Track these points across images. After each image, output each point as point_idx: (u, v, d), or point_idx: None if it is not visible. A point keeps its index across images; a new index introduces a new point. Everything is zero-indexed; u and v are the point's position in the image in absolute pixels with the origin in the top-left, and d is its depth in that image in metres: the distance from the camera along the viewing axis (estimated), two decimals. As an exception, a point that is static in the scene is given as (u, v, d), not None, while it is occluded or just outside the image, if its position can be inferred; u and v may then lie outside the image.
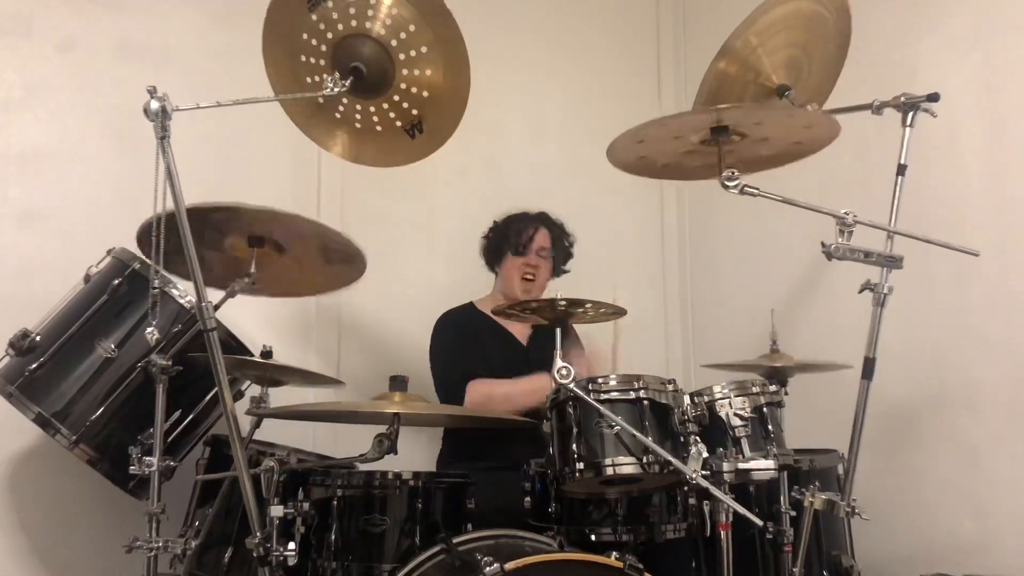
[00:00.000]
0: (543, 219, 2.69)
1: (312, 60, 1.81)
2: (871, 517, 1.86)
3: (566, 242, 2.74)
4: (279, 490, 1.73)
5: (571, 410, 1.75)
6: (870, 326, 1.80)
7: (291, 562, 1.59)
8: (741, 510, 1.65)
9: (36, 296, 2.16)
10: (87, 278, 2.12)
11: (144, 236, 1.83)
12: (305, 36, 1.78)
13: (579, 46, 3.47)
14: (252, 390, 2.14)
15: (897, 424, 2.47)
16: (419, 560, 1.75)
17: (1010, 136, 2.29)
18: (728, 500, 1.68)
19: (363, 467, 1.91)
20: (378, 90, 1.85)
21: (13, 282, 2.43)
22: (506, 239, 2.66)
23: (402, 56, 1.81)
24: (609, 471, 1.70)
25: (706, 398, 1.83)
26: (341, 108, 1.88)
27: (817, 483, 1.87)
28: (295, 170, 2.89)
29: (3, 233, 2.48)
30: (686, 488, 1.86)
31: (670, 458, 1.64)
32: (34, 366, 1.99)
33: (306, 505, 1.83)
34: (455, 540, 1.77)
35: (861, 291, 1.79)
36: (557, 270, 2.74)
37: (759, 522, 1.71)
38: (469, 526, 1.92)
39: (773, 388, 1.91)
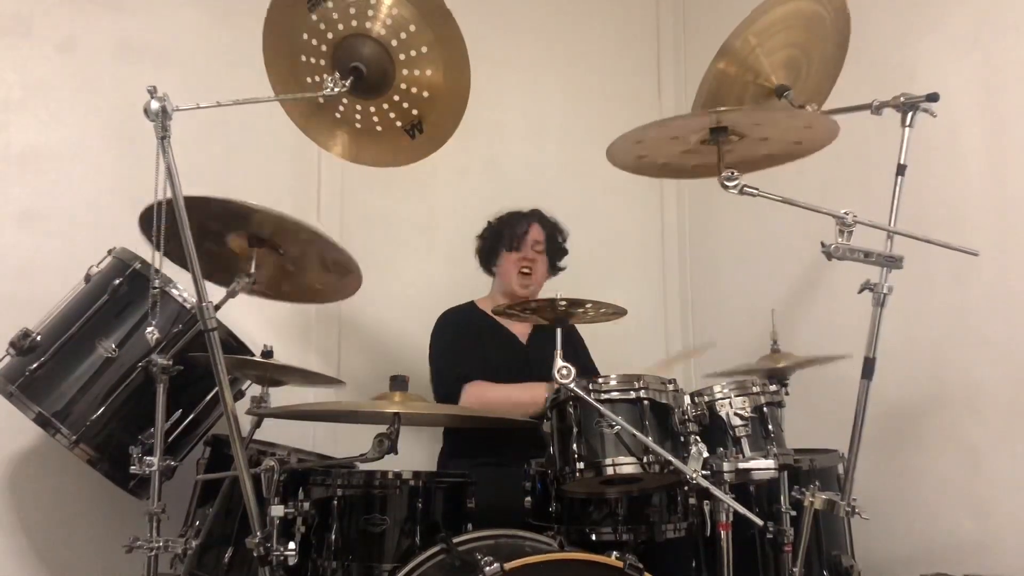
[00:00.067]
0: (536, 215, 2.70)
1: (312, 60, 1.81)
2: (871, 517, 1.85)
3: (560, 238, 2.74)
4: (279, 490, 1.73)
5: (571, 410, 1.75)
6: (870, 326, 1.80)
7: (291, 562, 1.59)
8: (741, 510, 1.65)
9: (36, 296, 2.16)
10: (87, 278, 2.12)
11: (146, 221, 1.83)
12: (305, 36, 1.79)
13: (579, 46, 3.47)
14: (252, 390, 2.14)
15: (897, 424, 2.47)
16: (419, 560, 1.75)
17: (1010, 136, 2.29)
18: (728, 500, 1.68)
19: (363, 467, 1.91)
20: (378, 90, 1.85)
21: (13, 282, 2.43)
22: (500, 237, 2.67)
23: (402, 56, 1.81)
24: (609, 471, 1.70)
25: (706, 398, 1.83)
26: (341, 108, 1.88)
27: (817, 483, 1.87)
28: (295, 170, 2.89)
29: (3, 233, 2.48)
30: (686, 488, 1.86)
31: (670, 458, 1.64)
32: (35, 366, 1.99)
33: (306, 505, 1.83)
34: (455, 540, 1.77)
35: (861, 291, 1.79)
36: (553, 267, 2.74)
37: (759, 522, 1.71)
38: (469, 526, 1.92)
39: (773, 388, 1.91)
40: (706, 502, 1.81)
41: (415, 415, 1.88)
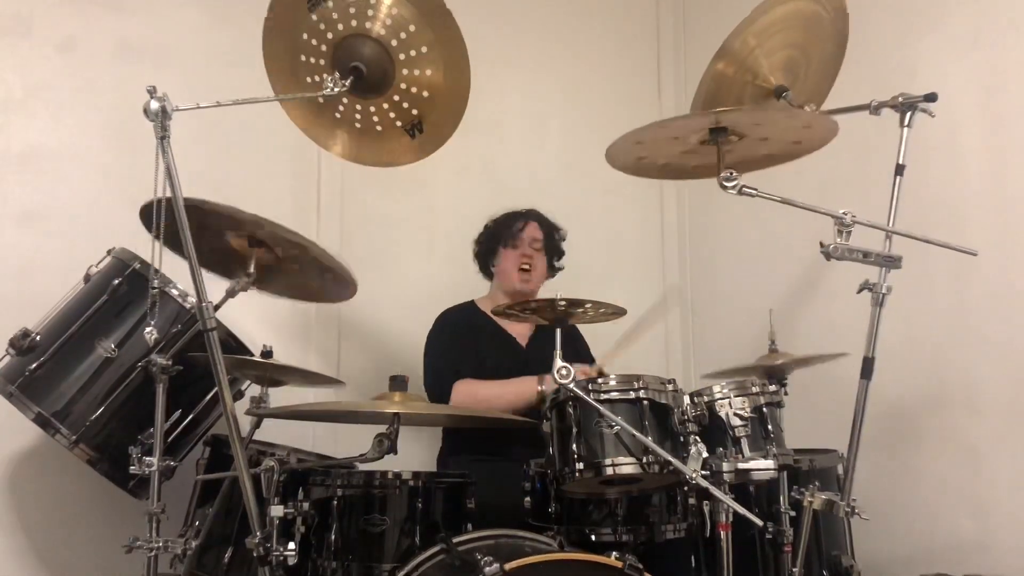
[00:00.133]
0: (533, 214, 2.71)
1: (312, 60, 1.81)
2: (871, 517, 1.85)
3: (557, 236, 2.74)
4: (279, 490, 1.73)
5: (571, 410, 1.75)
6: (869, 326, 1.79)
7: (291, 562, 1.59)
8: (741, 510, 1.65)
9: (36, 296, 2.16)
10: (87, 278, 2.12)
11: (146, 216, 1.83)
12: (305, 36, 1.79)
13: (579, 46, 3.47)
14: (252, 390, 2.14)
15: (897, 424, 2.47)
16: (419, 560, 1.75)
17: (1010, 136, 2.29)
18: (728, 500, 1.68)
19: (363, 467, 1.91)
20: (378, 90, 1.86)
21: (13, 282, 2.44)
22: (499, 236, 2.67)
23: (402, 56, 1.81)
24: (609, 471, 1.70)
25: (706, 398, 1.83)
26: (341, 108, 1.88)
27: (817, 483, 1.87)
28: (295, 170, 2.89)
29: (3, 233, 2.49)
30: (686, 488, 1.86)
31: (670, 458, 1.64)
32: (34, 366, 1.99)
33: (306, 505, 1.83)
34: (455, 540, 1.77)
35: (860, 291, 1.79)
36: (551, 267, 2.74)
37: (759, 522, 1.71)
38: (469, 526, 1.92)
39: (772, 388, 1.91)
40: (706, 502, 1.81)
41: (415, 415, 1.88)
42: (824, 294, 2.78)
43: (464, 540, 1.79)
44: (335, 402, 2.26)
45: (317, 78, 1.80)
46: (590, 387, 1.73)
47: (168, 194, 1.49)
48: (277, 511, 1.65)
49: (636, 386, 1.75)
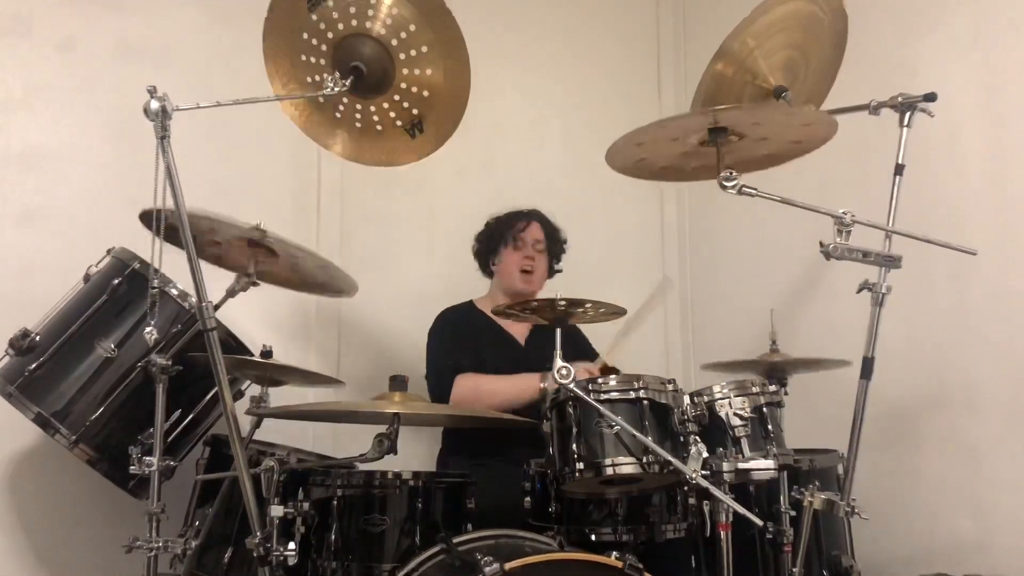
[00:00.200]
0: (536, 214, 2.71)
1: (312, 60, 1.81)
2: (871, 517, 1.86)
3: (558, 237, 2.75)
4: (279, 490, 1.73)
5: (571, 410, 1.75)
6: (869, 326, 1.79)
7: (291, 562, 1.59)
8: (741, 510, 1.65)
9: (36, 296, 2.16)
10: (87, 278, 2.12)
11: (147, 220, 1.83)
12: (305, 36, 1.79)
13: (579, 46, 3.47)
14: (252, 390, 2.14)
15: (897, 424, 2.47)
16: (419, 560, 1.75)
17: (1010, 136, 2.29)
18: (728, 500, 1.68)
19: (363, 467, 1.91)
20: (378, 90, 1.86)
21: (13, 282, 2.44)
22: (500, 236, 2.67)
23: (402, 56, 1.81)
24: (609, 471, 1.70)
25: (706, 398, 1.83)
26: (341, 108, 1.88)
27: (817, 483, 1.87)
28: (295, 170, 2.89)
29: (3, 233, 2.49)
30: (686, 488, 1.86)
31: (670, 458, 1.64)
32: (34, 366, 1.99)
33: (306, 505, 1.83)
34: (455, 540, 1.77)
35: (859, 291, 1.79)
36: (551, 268, 2.74)
37: (759, 522, 1.70)
38: (469, 526, 1.92)
39: (773, 388, 1.91)
40: (706, 502, 1.81)
41: (415, 415, 1.88)
42: (824, 294, 2.78)
43: (464, 540, 1.79)
44: (335, 402, 2.26)
45: (317, 78, 1.80)
46: (590, 387, 1.73)
47: (168, 194, 1.49)
48: (277, 511, 1.65)
49: (636, 386, 1.75)
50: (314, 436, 2.69)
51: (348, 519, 1.90)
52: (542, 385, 2.27)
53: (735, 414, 1.81)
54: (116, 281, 2.06)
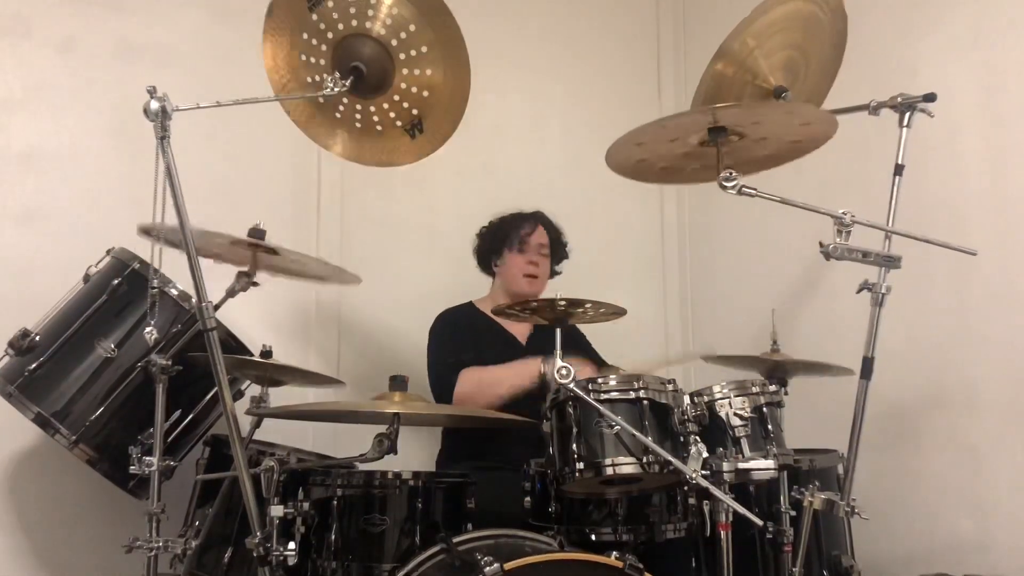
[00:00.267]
0: (540, 217, 2.71)
1: (312, 60, 1.81)
2: (871, 517, 1.86)
3: (561, 240, 2.75)
4: (279, 490, 1.73)
5: (571, 410, 1.75)
6: (868, 326, 1.80)
7: (291, 562, 1.59)
8: (741, 510, 1.65)
9: (36, 296, 2.16)
10: (87, 278, 2.12)
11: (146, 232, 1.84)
12: (305, 36, 1.79)
13: (579, 46, 3.47)
14: (252, 390, 2.14)
15: (897, 424, 2.47)
16: (419, 560, 1.75)
17: (1010, 136, 2.29)
18: (728, 500, 1.68)
19: (363, 467, 1.91)
20: (378, 90, 1.86)
21: (13, 282, 2.43)
22: (504, 237, 2.66)
23: (402, 56, 1.81)
24: (609, 471, 1.70)
25: (706, 398, 1.83)
26: (341, 108, 1.88)
27: (817, 483, 1.87)
28: (295, 170, 2.89)
29: (3, 233, 2.48)
30: (686, 488, 1.86)
31: (670, 458, 1.64)
32: (34, 366, 1.99)
33: (306, 505, 1.83)
34: (455, 540, 1.77)
35: (859, 291, 1.79)
36: (551, 270, 2.74)
37: (759, 522, 1.70)
38: (469, 526, 1.92)
39: (773, 388, 1.91)
40: (706, 502, 1.81)
41: (415, 415, 1.87)
42: (824, 294, 2.78)
43: (464, 540, 1.79)
44: (335, 402, 2.26)
45: (317, 78, 1.80)
46: (590, 387, 1.73)
47: (168, 194, 1.49)
48: (277, 511, 1.65)
49: (636, 386, 1.75)
50: (314, 436, 2.69)
51: (348, 519, 1.90)
52: (543, 368, 2.27)
53: (735, 414, 1.81)
54: (116, 281, 2.05)
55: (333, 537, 1.89)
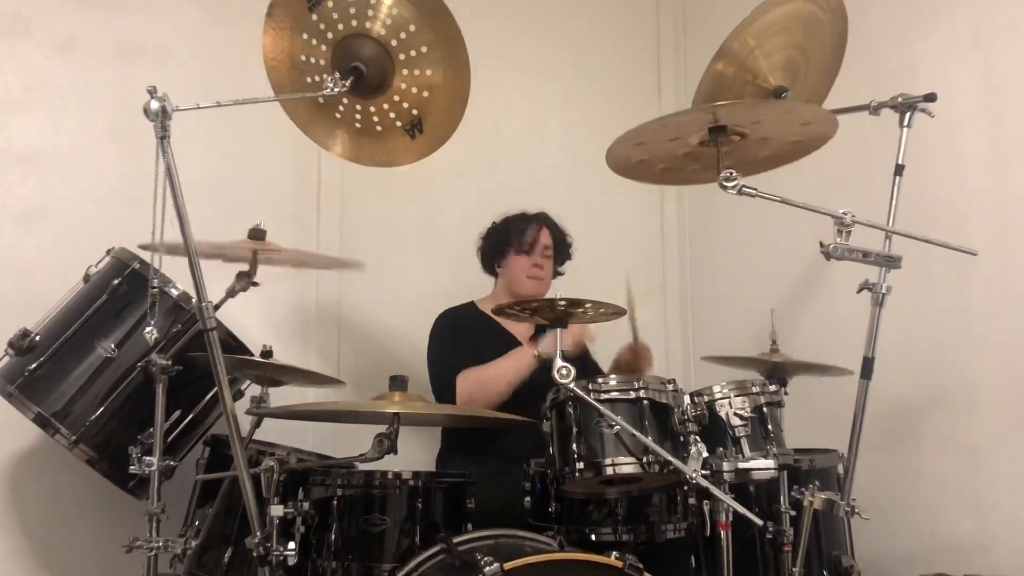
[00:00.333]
0: (544, 219, 2.70)
1: (312, 60, 1.81)
2: (871, 517, 1.86)
3: (565, 242, 2.75)
4: (279, 490, 1.73)
5: (571, 410, 1.75)
6: (869, 326, 1.80)
7: (291, 562, 1.59)
8: (741, 510, 1.65)
9: (36, 296, 2.16)
10: (87, 278, 2.12)
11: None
12: (305, 36, 1.79)
13: (579, 46, 3.47)
14: (252, 390, 2.14)
15: (897, 424, 2.47)
16: (419, 560, 1.75)
17: (1010, 136, 2.29)
18: (728, 500, 1.68)
19: (363, 467, 1.91)
20: (378, 90, 1.86)
21: (13, 282, 2.43)
22: (508, 239, 2.66)
23: (402, 56, 1.81)
24: (609, 471, 1.70)
25: (706, 398, 1.83)
26: (341, 108, 1.88)
27: (817, 483, 1.87)
28: (295, 170, 2.89)
29: (3, 233, 2.48)
30: (686, 488, 1.86)
31: (670, 458, 1.64)
32: (34, 366, 1.99)
33: (306, 505, 1.83)
34: (455, 540, 1.77)
35: (859, 291, 1.79)
36: (555, 271, 2.74)
37: (759, 522, 1.71)
38: (469, 526, 1.92)
39: (773, 388, 1.91)
40: (706, 502, 1.81)
41: (415, 415, 1.87)
42: (824, 294, 2.78)
43: (464, 540, 1.79)
44: (335, 402, 2.26)
45: (317, 78, 1.80)
46: (590, 387, 1.73)
47: (168, 194, 1.49)
48: (277, 511, 1.65)
49: (636, 386, 1.75)
50: (314, 436, 2.69)
51: (348, 519, 1.90)
52: (536, 352, 2.27)
53: (735, 414, 1.81)
54: (116, 281, 2.05)
55: (333, 537, 1.89)
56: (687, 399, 1.81)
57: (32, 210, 2.52)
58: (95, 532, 2.42)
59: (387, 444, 1.68)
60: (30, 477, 2.43)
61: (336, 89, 1.75)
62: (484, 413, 2.25)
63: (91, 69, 2.62)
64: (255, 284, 2.01)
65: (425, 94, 1.86)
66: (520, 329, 2.63)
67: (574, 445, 1.73)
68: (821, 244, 1.70)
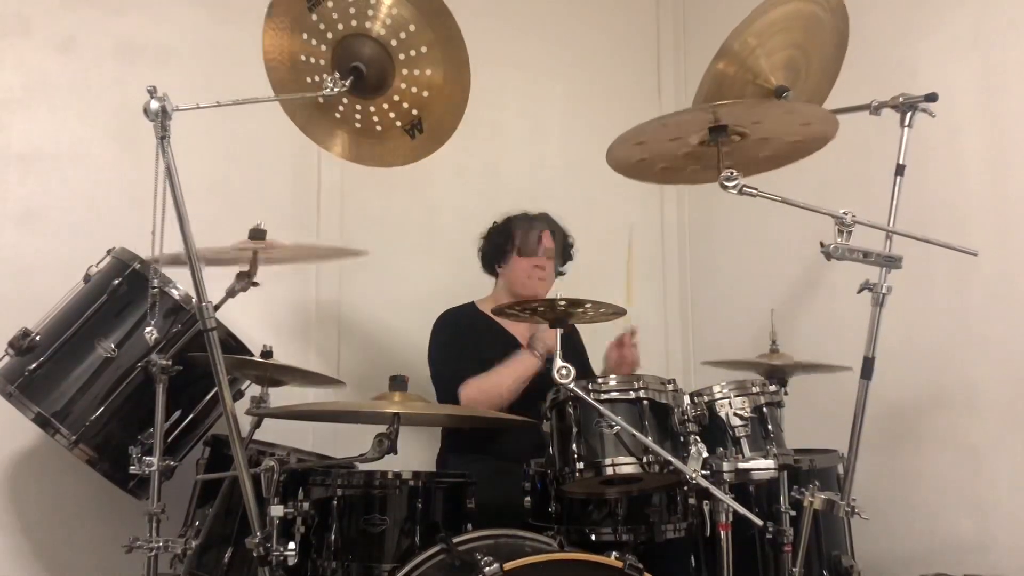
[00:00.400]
0: (546, 220, 2.69)
1: (312, 60, 1.81)
2: (871, 517, 1.86)
3: (567, 243, 2.74)
4: (279, 490, 1.73)
5: (571, 410, 1.75)
6: (869, 326, 1.80)
7: (291, 562, 1.59)
8: (741, 510, 1.65)
9: (36, 296, 2.16)
10: (87, 278, 2.12)
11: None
12: (305, 36, 1.79)
13: (579, 46, 3.47)
14: (252, 390, 2.14)
15: (897, 424, 2.47)
16: (419, 560, 1.75)
17: (1010, 136, 2.29)
18: (728, 500, 1.68)
19: (363, 467, 1.91)
20: (378, 90, 1.85)
21: (13, 282, 2.43)
22: (511, 240, 2.65)
23: (402, 56, 1.81)
24: (609, 471, 1.70)
25: (706, 398, 1.83)
26: (341, 108, 1.88)
27: (817, 483, 1.87)
28: (295, 170, 2.89)
29: (3, 233, 2.48)
30: (686, 488, 1.86)
31: (670, 458, 1.64)
32: (34, 366, 1.99)
33: (306, 505, 1.83)
34: (455, 540, 1.77)
35: (860, 291, 1.79)
36: (556, 271, 2.74)
37: (759, 522, 1.71)
38: (469, 526, 1.92)
39: (773, 388, 1.91)
40: (706, 502, 1.81)
41: (415, 415, 1.87)
42: (824, 294, 2.78)
43: (464, 540, 1.79)
44: (335, 402, 2.26)
45: (317, 78, 1.80)
46: (590, 387, 1.73)
47: (168, 194, 1.49)
48: (277, 511, 1.65)
49: (636, 386, 1.75)
50: (314, 436, 2.69)
51: (348, 519, 1.90)
52: (537, 355, 2.27)
53: (735, 414, 1.81)
54: (116, 281, 2.05)
55: (333, 537, 1.89)
56: (687, 399, 1.81)
57: (32, 210, 2.52)
58: (95, 532, 2.42)
59: (387, 444, 1.68)
60: (30, 477, 2.43)
61: (336, 89, 1.75)
62: (484, 413, 2.25)
63: (91, 69, 2.63)
64: (255, 284, 2.01)
65: (425, 94, 1.86)
66: (520, 329, 2.63)
67: (574, 445, 1.73)
68: (822, 244, 1.70)
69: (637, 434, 1.67)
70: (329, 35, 1.78)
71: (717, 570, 1.78)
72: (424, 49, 1.81)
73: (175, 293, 2.03)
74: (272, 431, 2.18)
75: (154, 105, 1.46)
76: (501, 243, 2.68)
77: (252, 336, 2.18)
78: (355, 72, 1.78)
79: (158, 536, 1.84)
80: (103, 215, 2.52)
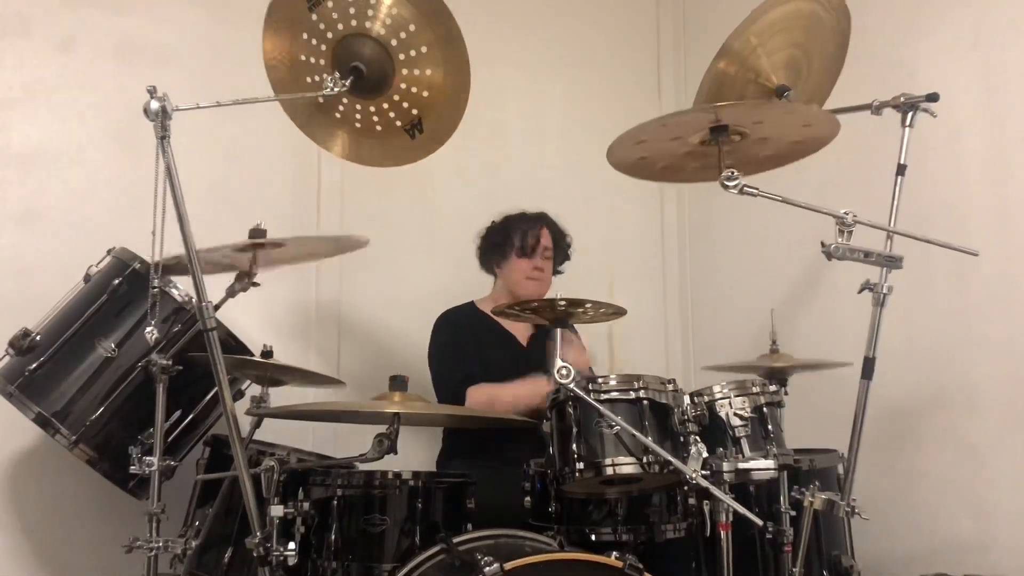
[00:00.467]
0: (544, 219, 2.69)
1: (312, 60, 1.81)
2: (871, 517, 1.86)
3: (565, 242, 2.74)
4: (279, 490, 1.73)
5: (571, 410, 1.75)
6: (870, 326, 1.80)
7: (291, 562, 1.59)
8: (741, 510, 1.65)
9: (36, 296, 2.16)
10: (87, 278, 2.12)
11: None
12: (305, 36, 1.79)
13: (579, 46, 3.47)
14: (252, 390, 2.14)
15: (897, 424, 2.47)
16: (419, 560, 1.75)
17: (1010, 136, 2.29)
18: (728, 500, 1.68)
19: (363, 467, 1.91)
20: (378, 90, 1.85)
21: (13, 282, 2.43)
22: (508, 240, 2.65)
23: (402, 56, 1.81)
24: (609, 471, 1.70)
25: (706, 398, 1.83)
26: (341, 108, 1.88)
27: (817, 483, 1.87)
28: (295, 170, 2.89)
29: (3, 233, 2.48)
30: (686, 488, 1.86)
31: (670, 458, 1.64)
32: (34, 366, 1.99)
33: (306, 505, 1.83)
34: (455, 540, 1.77)
35: (861, 291, 1.79)
36: (553, 271, 2.74)
37: (759, 522, 1.70)
38: (469, 526, 1.92)
39: (773, 388, 1.91)
40: (706, 502, 1.81)
41: (415, 415, 1.87)
42: (824, 294, 2.78)
43: (464, 540, 1.79)
44: (335, 402, 2.26)
45: (317, 78, 1.80)
46: (590, 387, 1.73)
47: (168, 194, 1.49)
48: (277, 511, 1.65)
49: (636, 386, 1.74)
50: (314, 436, 2.69)
51: (348, 519, 1.89)
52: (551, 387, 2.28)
53: (735, 414, 1.81)
54: (116, 281, 2.05)
55: (333, 537, 1.88)
56: (687, 399, 1.81)
57: (32, 210, 2.52)
58: (95, 532, 2.42)
59: (387, 444, 1.68)
60: (30, 477, 2.43)
61: (336, 89, 1.75)
62: (484, 413, 2.25)
63: (91, 69, 2.62)
64: (255, 284, 2.01)
65: (425, 94, 1.86)
66: (519, 329, 2.63)
67: (574, 445, 1.72)
68: (822, 244, 1.70)
69: (637, 434, 1.66)
70: (329, 35, 1.79)
71: (717, 570, 1.78)
72: (424, 49, 1.81)
73: (175, 293, 2.02)
74: (272, 431, 2.18)
75: (154, 105, 1.46)
76: (499, 243, 2.68)
77: (252, 336, 2.18)
78: (355, 72, 1.78)
79: (158, 536, 1.84)
80: (103, 215, 2.52)
